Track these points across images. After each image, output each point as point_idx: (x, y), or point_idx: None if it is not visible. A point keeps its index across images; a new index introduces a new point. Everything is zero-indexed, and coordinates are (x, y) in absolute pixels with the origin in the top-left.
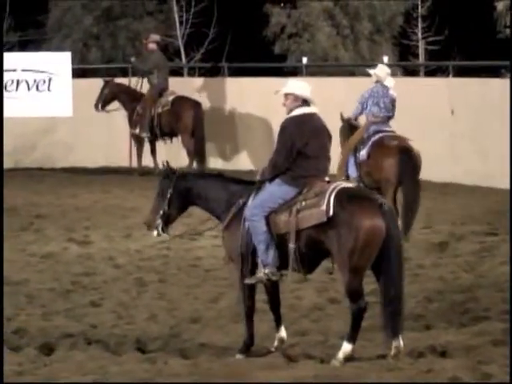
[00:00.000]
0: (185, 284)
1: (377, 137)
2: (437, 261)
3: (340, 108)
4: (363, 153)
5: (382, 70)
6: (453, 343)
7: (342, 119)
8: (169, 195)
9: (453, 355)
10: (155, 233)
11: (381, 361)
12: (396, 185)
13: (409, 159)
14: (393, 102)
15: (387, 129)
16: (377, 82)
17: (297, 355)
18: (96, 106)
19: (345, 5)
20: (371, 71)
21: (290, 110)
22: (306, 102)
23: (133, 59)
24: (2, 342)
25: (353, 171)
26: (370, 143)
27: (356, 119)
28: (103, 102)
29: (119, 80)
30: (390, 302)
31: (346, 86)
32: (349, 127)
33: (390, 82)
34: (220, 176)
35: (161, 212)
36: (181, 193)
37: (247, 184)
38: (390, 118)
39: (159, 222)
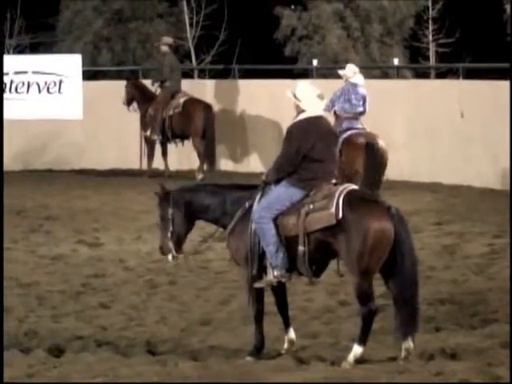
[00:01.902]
0: (195, 286)
1: (347, 134)
2: (447, 263)
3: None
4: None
5: (349, 70)
6: (462, 345)
7: None
8: (170, 216)
9: (462, 357)
10: (170, 257)
11: (391, 363)
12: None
13: (374, 155)
14: (363, 98)
15: (358, 126)
16: (346, 81)
17: (307, 357)
18: (124, 103)
19: (355, 7)
20: (340, 72)
21: (297, 114)
22: (312, 106)
23: (153, 82)
24: (1, 341)
25: None
26: (340, 140)
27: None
28: (126, 100)
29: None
30: (405, 305)
31: None
32: None
33: (359, 79)
34: (217, 185)
35: (169, 235)
36: (181, 209)
37: (249, 188)
38: (361, 113)
39: (171, 245)
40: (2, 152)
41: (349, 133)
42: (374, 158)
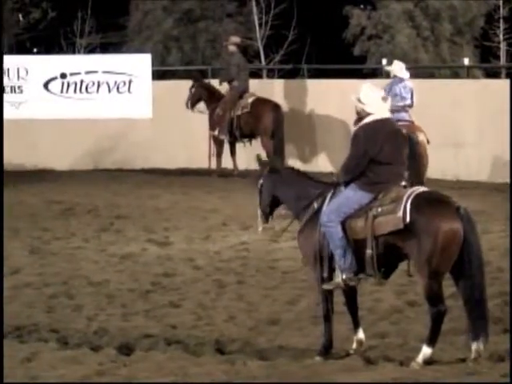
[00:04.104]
0: (263, 286)
1: None
2: None
3: (420, 110)
4: None
5: (396, 65)
6: None
7: None
8: (259, 186)
9: None
10: (259, 222)
11: (460, 364)
12: None
13: (413, 147)
14: (411, 91)
15: (405, 118)
16: (394, 76)
17: (376, 358)
18: (186, 105)
19: (425, 6)
20: (388, 68)
21: (357, 118)
22: (378, 109)
23: (221, 82)
24: (1, 339)
25: None
26: None
27: None
28: (191, 101)
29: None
30: (474, 307)
31: (426, 88)
32: None
33: (405, 74)
34: (304, 175)
35: (258, 203)
36: (267, 186)
37: (326, 186)
38: (410, 106)
39: (260, 213)
40: (1, 152)
41: None
42: (413, 150)
